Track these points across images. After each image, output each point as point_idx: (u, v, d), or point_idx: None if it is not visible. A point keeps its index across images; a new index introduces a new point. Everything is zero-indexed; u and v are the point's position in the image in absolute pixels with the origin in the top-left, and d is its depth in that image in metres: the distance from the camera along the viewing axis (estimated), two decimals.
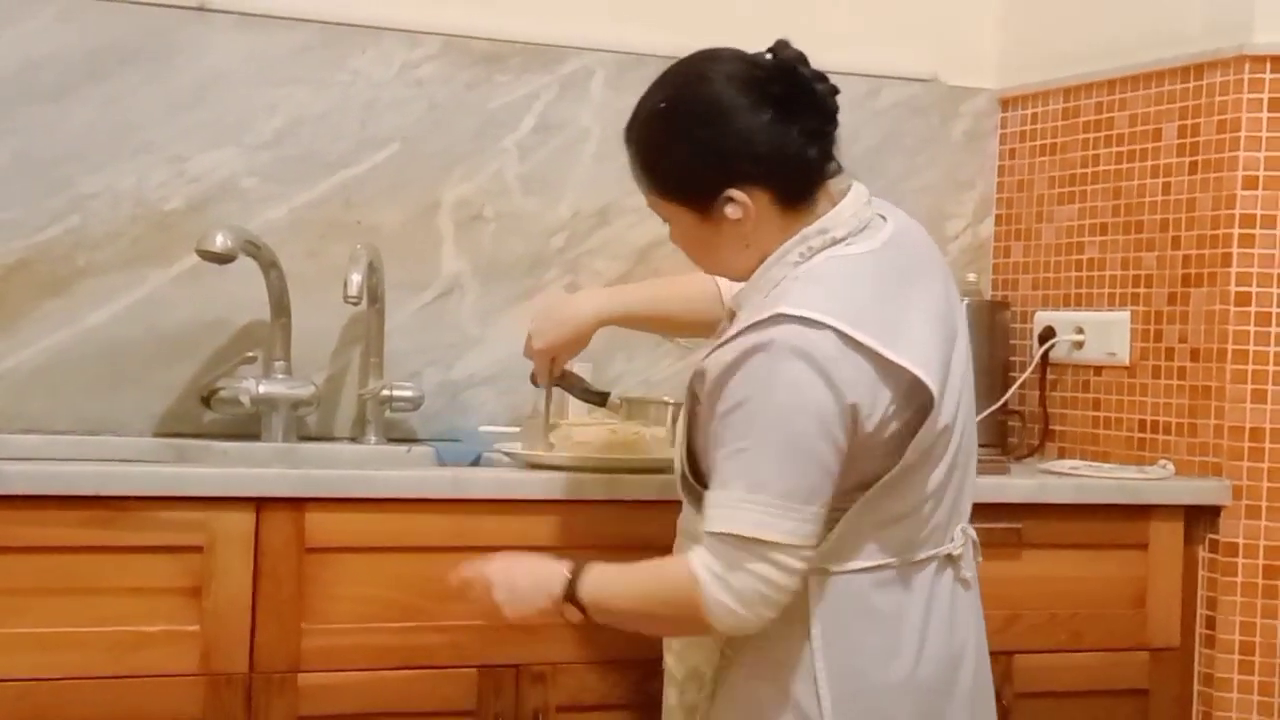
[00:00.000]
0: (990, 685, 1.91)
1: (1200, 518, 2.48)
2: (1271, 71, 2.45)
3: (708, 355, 1.76)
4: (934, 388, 1.72)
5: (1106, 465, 2.59)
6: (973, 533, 1.87)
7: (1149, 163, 2.64)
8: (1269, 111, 2.45)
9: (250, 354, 2.50)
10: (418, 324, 2.65)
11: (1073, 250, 2.79)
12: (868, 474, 1.73)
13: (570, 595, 1.78)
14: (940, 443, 1.76)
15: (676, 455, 1.84)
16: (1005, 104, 2.98)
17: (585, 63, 2.75)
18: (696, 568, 1.70)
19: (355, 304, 2.44)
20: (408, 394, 2.57)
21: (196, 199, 2.53)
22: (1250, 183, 2.46)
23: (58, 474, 1.92)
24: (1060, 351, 2.77)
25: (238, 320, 2.56)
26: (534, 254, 2.73)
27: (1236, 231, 2.47)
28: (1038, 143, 2.90)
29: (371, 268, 2.49)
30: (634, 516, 2.14)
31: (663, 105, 1.80)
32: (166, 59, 2.52)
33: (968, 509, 1.86)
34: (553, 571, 1.80)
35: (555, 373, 2.14)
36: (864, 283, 1.73)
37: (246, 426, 2.51)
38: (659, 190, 1.82)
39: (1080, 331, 2.75)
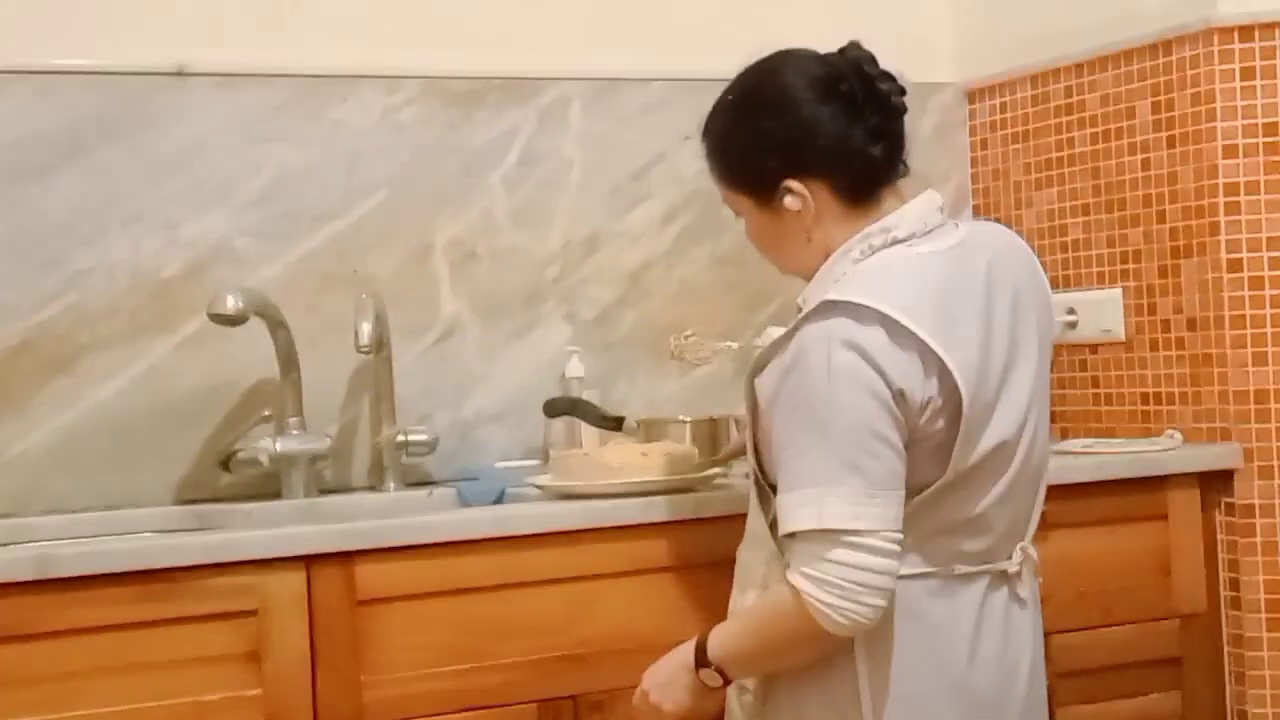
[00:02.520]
0: (1044, 704, 1.91)
1: (1214, 483, 2.53)
2: (1240, 41, 2.51)
3: (766, 353, 1.77)
4: (965, 394, 1.71)
5: (1116, 440, 2.63)
6: (1033, 552, 1.87)
7: (1125, 141, 2.69)
8: (1241, 81, 2.51)
9: (265, 413, 2.49)
10: (423, 367, 2.66)
11: (1056, 233, 2.84)
12: (916, 479, 1.73)
13: (702, 661, 1.79)
14: (996, 459, 1.77)
15: (749, 457, 1.85)
16: (972, 96, 3.03)
17: (562, 92, 2.77)
18: (791, 578, 1.70)
19: (367, 353, 2.45)
20: (423, 438, 2.57)
21: (192, 264, 2.53)
22: (1230, 152, 2.51)
23: (107, 552, 1.91)
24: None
25: (245, 381, 2.55)
26: (529, 287, 2.74)
27: (1221, 200, 2.52)
28: (1009, 130, 2.95)
29: (377, 315, 2.48)
30: (673, 538, 2.16)
31: (730, 97, 1.86)
32: (147, 126, 2.52)
33: (1030, 529, 1.87)
34: (685, 647, 1.83)
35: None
36: (920, 279, 1.74)
37: (264, 486, 2.51)
38: (725, 180, 1.87)
39: (1072, 312, 2.80)
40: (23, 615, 1.86)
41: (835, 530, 1.66)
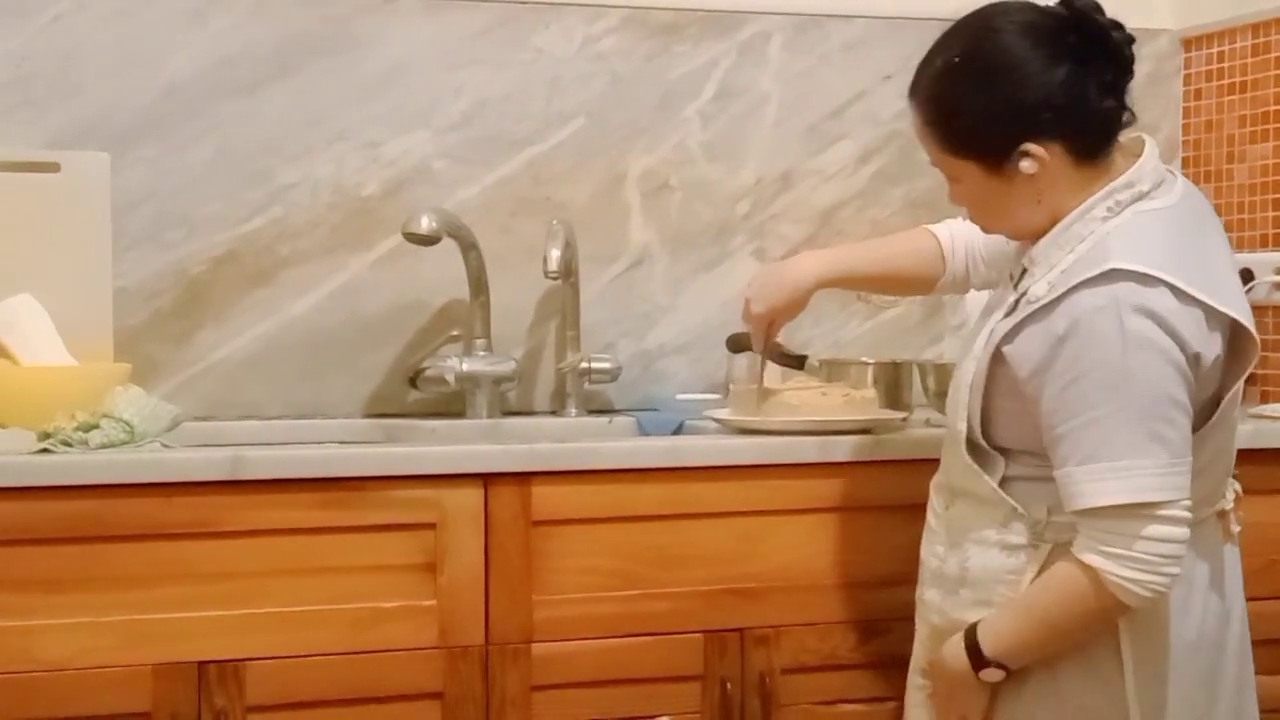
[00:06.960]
0: (1249, 640, 1.88)
1: None
2: None
3: (1021, 319, 1.72)
4: (1255, 334, 1.72)
5: None
6: (1238, 485, 1.85)
7: None
8: None
9: (454, 333, 2.55)
10: (609, 296, 2.68)
11: (1268, 190, 2.73)
12: None
13: (980, 663, 1.76)
14: (1234, 397, 1.76)
15: (958, 416, 1.80)
16: (1188, 44, 2.92)
17: (762, 27, 2.74)
18: (1087, 558, 1.67)
19: (555, 279, 2.48)
20: (606, 366, 2.60)
21: (391, 183, 2.58)
22: None
23: (296, 458, 1.97)
24: (1260, 294, 2.71)
25: (435, 301, 2.60)
26: (720, 221, 2.74)
27: None
28: (1225, 81, 2.83)
29: (566, 242, 2.51)
30: (848, 478, 2.15)
31: (956, 60, 1.77)
32: (354, 48, 2.57)
33: (1233, 462, 1.86)
34: (951, 656, 1.78)
35: (771, 337, 2.15)
36: (1176, 236, 1.71)
37: (449, 405, 2.56)
38: (950, 147, 1.78)
39: (1279, 273, 2.69)
40: (214, 513, 1.94)
41: (1146, 504, 1.64)
